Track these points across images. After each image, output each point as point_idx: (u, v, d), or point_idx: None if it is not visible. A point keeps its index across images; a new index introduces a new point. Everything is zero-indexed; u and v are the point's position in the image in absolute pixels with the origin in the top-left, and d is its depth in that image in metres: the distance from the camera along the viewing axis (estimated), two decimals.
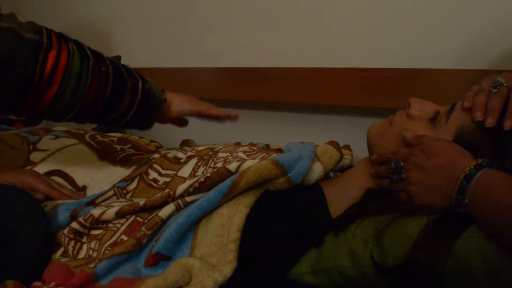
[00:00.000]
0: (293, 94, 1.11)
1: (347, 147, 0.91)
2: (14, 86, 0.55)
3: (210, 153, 0.76)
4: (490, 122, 0.54)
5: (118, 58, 1.41)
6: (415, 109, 0.65)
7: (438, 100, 0.70)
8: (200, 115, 0.85)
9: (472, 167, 0.49)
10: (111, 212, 0.65)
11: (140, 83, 0.72)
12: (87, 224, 0.65)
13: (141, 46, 1.47)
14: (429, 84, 0.93)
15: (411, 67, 0.96)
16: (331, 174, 0.73)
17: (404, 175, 0.57)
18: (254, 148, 0.74)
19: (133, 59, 1.48)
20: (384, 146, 0.65)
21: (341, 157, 0.73)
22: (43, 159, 0.83)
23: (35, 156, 0.84)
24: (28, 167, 0.81)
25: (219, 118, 0.86)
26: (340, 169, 0.80)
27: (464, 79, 0.88)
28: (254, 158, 0.68)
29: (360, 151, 0.83)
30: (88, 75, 0.62)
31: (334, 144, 0.75)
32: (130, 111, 0.71)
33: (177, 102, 0.83)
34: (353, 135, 0.90)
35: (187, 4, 1.32)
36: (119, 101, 0.68)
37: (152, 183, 0.76)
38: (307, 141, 0.93)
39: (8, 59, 0.54)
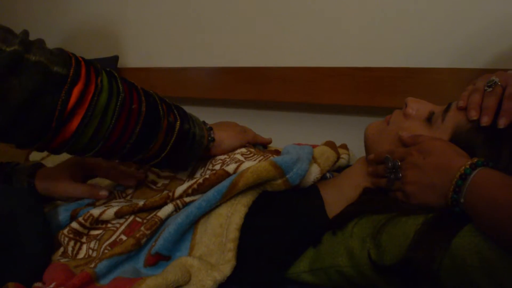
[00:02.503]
0: (291, 94, 1.11)
1: (344, 146, 0.91)
2: (36, 122, 0.52)
3: None
4: (485, 121, 0.54)
5: (116, 58, 1.41)
6: (411, 108, 0.65)
7: (435, 99, 0.71)
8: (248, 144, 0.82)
9: (467, 167, 0.49)
10: (110, 212, 0.66)
11: (178, 123, 0.65)
12: (87, 224, 0.66)
13: (140, 46, 1.47)
14: (426, 83, 0.94)
15: (408, 66, 0.97)
16: (328, 174, 0.73)
17: (400, 175, 0.58)
18: (252, 150, 0.74)
19: (131, 59, 1.48)
20: (381, 146, 0.66)
21: (338, 157, 0.74)
22: (42, 159, 0.83)
23: (34, 156, 0.84)
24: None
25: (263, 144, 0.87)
26: (337, 169, 0.81)
27: (461, 78, 0.89)
28: (252, 160, 0.68)
29: (358, 150, 0.84)
30: (115, 113, 0.57)
31: (330, 144, 0.76)
32: (162, 153, 0.65)
33: (228, 141, 0.76)
34: (351, 134, 0.91)
35: (185, 3, 1.32)
36: (149, 142, 0.62)
37: (151, 185, 0.77)
38: (304, 140, 0.94)
39: (34, 97, 0.50)
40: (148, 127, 0.61)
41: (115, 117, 0.57)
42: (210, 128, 0.74)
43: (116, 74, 0.61)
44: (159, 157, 0.65)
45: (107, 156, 0.62)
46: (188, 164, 0.72)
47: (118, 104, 0.57)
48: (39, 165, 0.77)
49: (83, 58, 0.58)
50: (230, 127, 0.80)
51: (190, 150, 0.68)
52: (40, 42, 0.54)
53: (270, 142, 0.87)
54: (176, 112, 0.67)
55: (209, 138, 0.73)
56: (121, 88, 0.59)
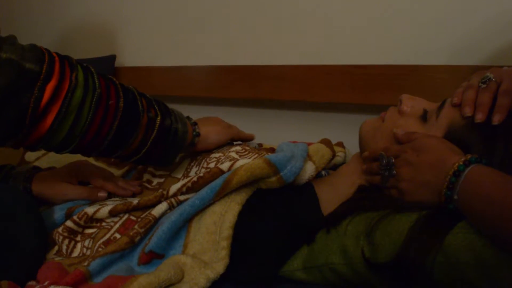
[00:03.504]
0: (287, 92, 1.11)
1: (340, 144, 0.91)
2: (10, 119, 0.52)
3: (203, 153, 0.77)
4: (479, 117, 0.54)
5: (113, 57, 1.41)
6: (406, 105, 0.65)
7: (432, 96, 0.70)
8: (232, 140, 0.83)
9: (461, 163, 0.49)
10: (104, 211, 0.66)
11: (158, 118, 0.65)
12: (81, 222, 0.66)
13: (137, 45, 1.47)
14: (422, 80, 0.93)
15: (404, 63, 0.96)
16: (323, 172, 0.73)
17: (395, 172, 0.58)
18: (247, 148, 0.74)
19: (128, 58, 1.48)
20: (376, 143, 0.66)
21: (333, 155, 0.73)
22: (37, 159, 0.83)
23: (29, 156, 0.84)
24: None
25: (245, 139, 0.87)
26: (332, 167, 0.81)
27: (458, 75, 0.88)
28: (247, 158, 0.68)
29: (354, 148, 0.83)
30: (91, 109, 0.56)
31: (326, 142, 0.75)
32: (142, 149, 0.64)
33: (214, 135, 0.76)
34: (347, 132, 0.91)
35: (182, 2, 1.32)
36: (129, 137, 0.62)
37: (146, 184, 0.77)
38: (301, 138, 0.93)
39: (6, 95, 0.50)
40: (126, 123, 0.60)
41: (91, 113, 0.56)
42: (195, 123, 0.74)
43: (93, 70, 0.60)
44: (140, 153, 0.65)
45: (86, 152, 0.62)
46: (171, 159, 0.71)
47: (94, 100, 0.56)
48: (35, 170, 0.77)
49: (57, 54, 0.57)
50: (215, 122, 0.80)
51: (173, 145, 0.68)
52: (12, 39, 0.53)
53: (252, 138, 0.88)
54: (156, 107, 0.66)
55: (194, 133, 0.72)
56: (97, 83, 0.58)
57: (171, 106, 0.72)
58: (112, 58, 1.41)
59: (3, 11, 1.83)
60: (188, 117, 0.74)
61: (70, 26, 1.64)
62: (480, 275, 0.45)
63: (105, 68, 1.39)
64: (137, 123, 0.62)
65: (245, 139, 0.87)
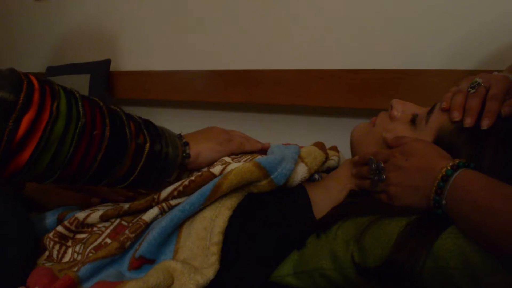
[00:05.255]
0: (281, 96, 1.11)
1: (335, 148, 0.91)
2: None
3: None
4: (468, 122, 0.54)
5: (108, 62, 1.41)
6: (397, 110, 0.65)
7: (425, 101, 0.70)
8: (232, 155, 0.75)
9: (449, 168, 0.49)
10: (95, 216, 0.66)
11: (147, 144, 0.61)
12: (72, 228, 0.66)
13: (132, 50, 1.47)
14: (416, 85, 0.94)
15: (398, 68, 0.97)
16: (316, 176, 0.73)
17: (384, 176, 0.58)
18: None
19: (124, 63, 1.48)
20: (367, 147, 0.66)
21: (327, 158, 0.73)
22: None
23: None
24: None
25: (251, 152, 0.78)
26: (326, 170, 0.81)
27: (451, 80, 0.89)
28: (239, 161, 0.68)
29: (348, 152, 0.83)
30: (73, 140, 0.52)
31: (319, 145, 0.75)
32: (130, 177, 0.61)
33: (206, 153, 0.70)
34: (341, 136, 0.91)
35: (178, 8, 1.33)
36: (114, 167, 0.58)
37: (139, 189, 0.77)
38: (295, 142, 0.93)
39: None
40: (112, 153, 0.57)
41: (73, 145, 0.52)
42: (186, 143, 0.69)
43: (78, 95, 0.56)
44: (127, 180, 0.62)
45: (69, 182, 0.58)
46: (161, 183, 0.67)
47: (77, 131, 0.53)
48: None
49: (38, 80, 0.53)
50: (212, 136, 0.74)
51: (162, 171, 0.64)
52: None
53: (258, 149, 0.79)
54: (146, 132, 0.62)
55: (184, 155, 0.68)
56: (81, 112, 0.54)
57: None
58: (107, 62, 1.41)
59: (1, 17, 1.83)
60: (179, 135, 0.70)
61: (66, 30, 1.64)
62: (469, 280, 0.45)
63: (100, 72, 1.39)
64: (124, 152, 0.58)
65: (251, 152, 0.77)
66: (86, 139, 0.54)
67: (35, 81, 0.52)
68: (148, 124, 0.65)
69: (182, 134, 0.72)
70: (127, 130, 0.59)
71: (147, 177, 0.63)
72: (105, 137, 0.56)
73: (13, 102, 0.48)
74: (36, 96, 0.50)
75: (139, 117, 0.64)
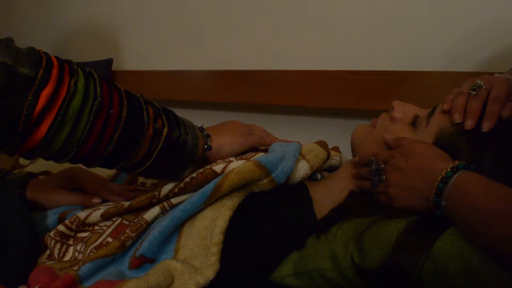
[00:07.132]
0: (283, 97, 1.11)
1: (336, 149, 0.91)
2: (1, 127, 0.49)
3: None
4: (469, 124, 0.54)
5: (110, 61, 1.41)
6: (397, 112, 0.66)
7: (426, 102, 0.70)
8: (253, 148, 0.75)
9: (448, 170, 0.49)
10: (96, 215, 0.66)
11: (165, 129, 0.60)
12: (73, 227, 0.66)
13: (134, 49, 1.47)
14: (416, 86, 0.94)
15: (399, 69, 0.97)
16: (318, 176, 0.73)
17: (384, 177, 0.58)
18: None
19: (126, 62, 1.49)
20: (367, 149, 0.66)
21: (328, 156, 0.73)
22: (32, 162, 0.83)
23: (24, 159, 0.84)
24: (16, 170, 0.81)
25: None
26: (328, 169, 0.81)
27: (452, 81, 0.88)
28: (241, 159, 0.68)
29: (349, 153, 0.84)
30: (90, 118, 0.53)
31: (321, 143, 0.74)
32: (146, 161, 0.60)
33: (228, 146, 0.69)
34: (342, 137, 0.90)
35: (179, 7, 1.33)
36: (131, 149, 0.58)
37: (140, 187, 0.77)
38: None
39: None
40: (129, 134, 0.57)
41: (89, 123, 0.53)
42: (208, 135, 0.68)
43: (96, 76, 0.56)
44: (143, 165, 0.61)
45: (85, 163, 0.59)
46: (180, 174, 0.66)
47: (94, 108, 0.53)
48: (30, 176, 0.77)
49: (57, 58, 0.54)
50: (234, 129, 0.73)
51: (181, 159, 0.63)
52: (8, 41, 0.51)
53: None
54: (164, 117, 0.62)
55: (205, 147, 0.67)
56: (98, 91, 0.54)
57: None
58: (109, 61, 1.41)
59: (2, 15, 1.83)
60: (201, 128, 0.70)
61: (68, 29, 1.64)
62: (469, 281, 0.45)
63: (102, 72, 1.39)
64: (140, 134, 0.58)
65: (255, 150, 0.76)
66: (102, 117, 0.54)
67: (54, 59, 0.53)
68: (168, 111, 0.64)
69: (204, 126, 0.72)
70: (144, 113, 0.59)
71: (165, 164, 0.62)
72: (122, 117, 0.56)
73: (32, 78, 0.49)
74: (54, 72, 0.51)
75: (160, 105, 0.64)
